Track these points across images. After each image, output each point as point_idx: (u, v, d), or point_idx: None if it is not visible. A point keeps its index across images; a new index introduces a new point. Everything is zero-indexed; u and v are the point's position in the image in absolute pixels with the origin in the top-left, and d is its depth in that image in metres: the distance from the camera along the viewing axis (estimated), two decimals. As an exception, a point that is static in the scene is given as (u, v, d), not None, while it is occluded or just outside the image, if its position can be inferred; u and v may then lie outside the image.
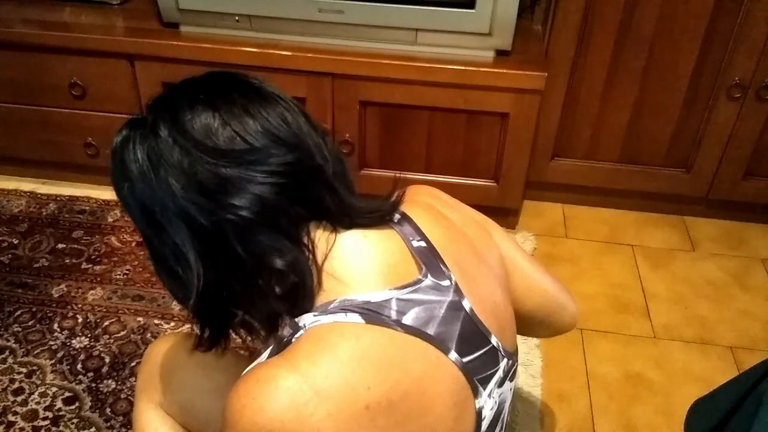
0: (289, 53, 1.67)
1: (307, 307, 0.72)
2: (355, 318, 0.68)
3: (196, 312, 0.74)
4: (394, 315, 0.70)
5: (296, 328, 0.69)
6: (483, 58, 1.66)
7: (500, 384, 0.81)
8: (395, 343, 0.68)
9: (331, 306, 0.70)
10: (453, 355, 0.73)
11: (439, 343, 0.71)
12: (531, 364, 1.50)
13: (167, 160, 0.69)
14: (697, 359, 1.55)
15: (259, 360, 0.71)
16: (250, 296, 0.73)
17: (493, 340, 0.79)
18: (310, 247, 0.72)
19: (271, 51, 1.68)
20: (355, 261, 0.73)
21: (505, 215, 1.89)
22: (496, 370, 0.80)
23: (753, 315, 1.68)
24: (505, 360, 0.82)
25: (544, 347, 1.55)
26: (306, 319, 0.70)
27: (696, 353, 1.57)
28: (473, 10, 1.59)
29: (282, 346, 0.69)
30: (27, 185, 2.02)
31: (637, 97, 1.78)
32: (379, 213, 0.78)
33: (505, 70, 1.63)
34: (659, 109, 1.79)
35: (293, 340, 0.69)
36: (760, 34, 1.64)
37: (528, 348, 1.53)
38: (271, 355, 0.70)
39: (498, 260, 0.91)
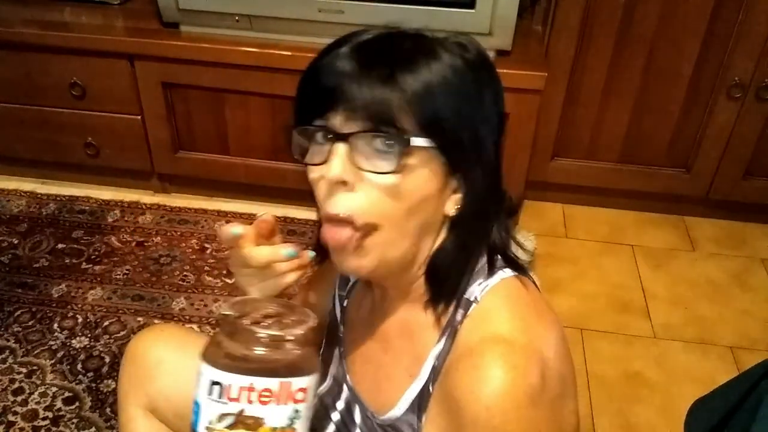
0: (289, 53, 1.67)
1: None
2: (509, 272, 0.72)
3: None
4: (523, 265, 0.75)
5: (468, 305, 0.71)
6: (483, 58, 1.66)
7: None
8: (537, 291, 0.74)
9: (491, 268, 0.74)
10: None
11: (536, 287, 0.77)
12: (531, 364, 1.50)
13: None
14: (697, 359, 1.55)
15: (435, 351, 0.71)
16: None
17: None
18: None
19: (271, 51, 1.68)
20: None
21: (505, 215, 1.88)
22: None
23: (753, 315, 1.68)
24: None
25: (544, 347, 1.55)
26: (474, 292, 0.71)
27: (696, 353, 1.57)
28: (473, 10, 1.58)
29: (455, 329, 0.70)
30: (27, 185, 2.02)
31: (637, 97, 1.77)
32: None
33: (505, 70, 1.62)
34: (659, 109, 1.79)
35: (461, 317, 0.70)
36: (760, 34, 1.64)
37: (528, 348, 1.53)
38: (445, 346, 0.70)
39: None
